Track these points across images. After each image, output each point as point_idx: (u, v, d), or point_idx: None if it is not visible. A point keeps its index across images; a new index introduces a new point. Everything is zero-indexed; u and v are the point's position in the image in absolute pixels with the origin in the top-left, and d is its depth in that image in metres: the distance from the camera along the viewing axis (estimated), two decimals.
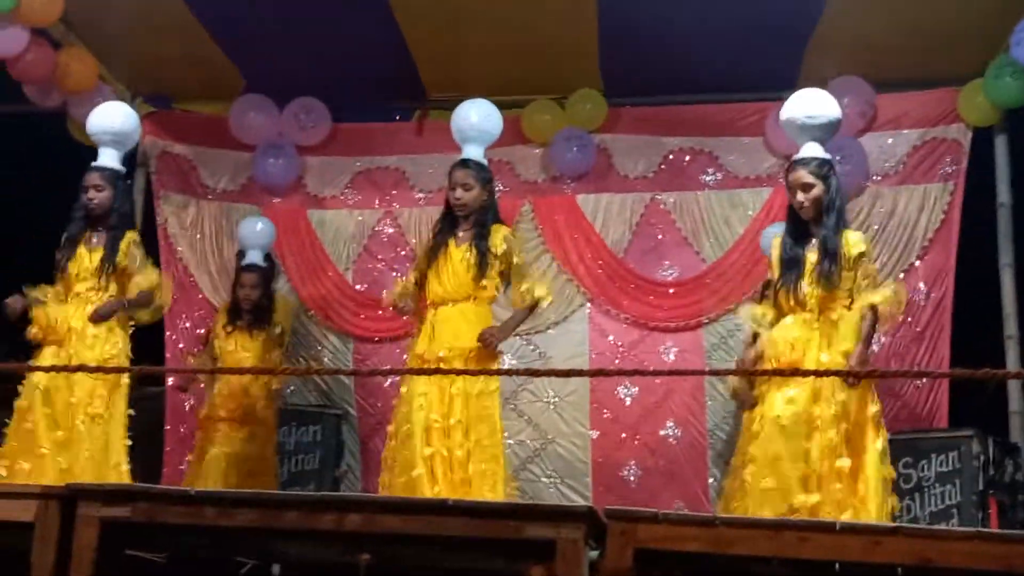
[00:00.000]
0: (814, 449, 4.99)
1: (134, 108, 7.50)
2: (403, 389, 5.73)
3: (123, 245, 5.82)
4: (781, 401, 5.06)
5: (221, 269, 7.74)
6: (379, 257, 7.79)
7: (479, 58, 7.26)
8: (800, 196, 5.26)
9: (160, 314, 6.23)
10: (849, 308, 5.18)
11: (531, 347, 7.37)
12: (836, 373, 4.96)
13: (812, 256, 5.22)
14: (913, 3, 6.54)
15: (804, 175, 5.25)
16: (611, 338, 7.47)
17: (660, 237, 7.54)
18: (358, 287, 7.79)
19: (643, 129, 7.66)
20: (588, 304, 7.51)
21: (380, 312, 7.60)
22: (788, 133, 5.50)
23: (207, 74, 7.58)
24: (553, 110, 7.63)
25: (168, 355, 7.70)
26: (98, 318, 5.72)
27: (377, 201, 7.89)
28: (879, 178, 7.26)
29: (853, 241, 5.22)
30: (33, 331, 5.78)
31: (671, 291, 7.45)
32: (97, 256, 5.80)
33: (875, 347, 5.52)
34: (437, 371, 5.51)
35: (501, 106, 6.13)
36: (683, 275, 7.47)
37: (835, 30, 6.77)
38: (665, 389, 7.31)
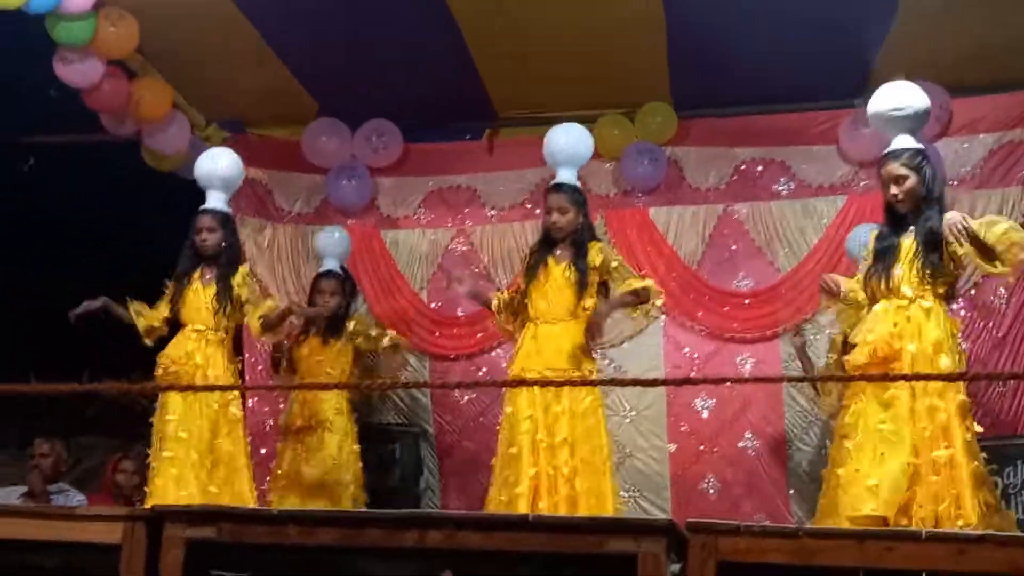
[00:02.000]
0: (915, 437, 4.94)
1: (208, 134, 7.74)
2: (508, 410, 5.80)
3: (236, 279, 6.15)
4: (876, 405, 5.00)
5: (299, 290, 7.80)
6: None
7: (547, 75, 7.28)
8: (894, 189, 5.18)
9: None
10: (945, 295, 5.11)
11: (607, 361, 7.33)
12: (924, 377, 4.88)
13: (907, 241, 5.14)
14: (987, 7, 6.45)
15: (896, 167, 5.18)
16: (687, 350, 7.43)
17: (734, 248, 7.50)
18: (433, 305, 7.83)
19: (713, 141, 7.64)
20: (663, 317, 7.48)
21: (456, 330, 7.67)
22: (876, 127, 5.44)
23: (280, 99, 7.68)
24: (623, 124, 7.62)
25: (247, 378, 7.76)
26: (268, 326, 6.16)
27: (449, 220, 7.93)
28: (955, 183, 7.15)
29: (949, 218, 5.08)
30: (159, 372, 6.04)
31: (746, 302, 7.41)
32: (211, 292, 6.11)
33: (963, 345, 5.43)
34: (513, 382, 5.59)
35: (570, 122, 6.19)
36: (758, 285, 7.42)
37: (907, 35, 6.70)
38: (742, 401, 7.26)
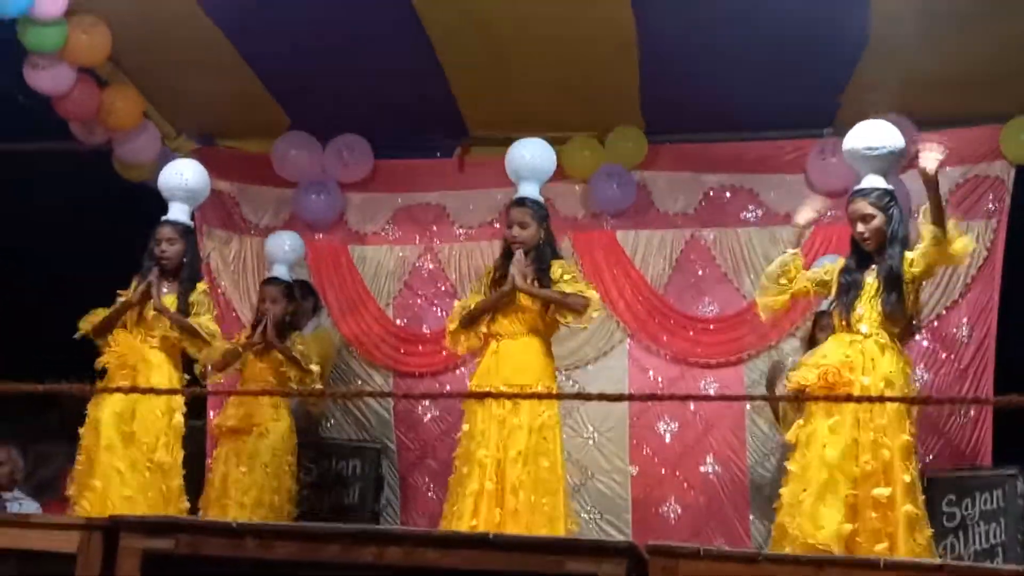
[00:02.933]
0: (857, 471, 4.98)
1: (178, 145, 7.70)
2: (464, 427, 5.79)
3: (193, 297, 6.05)
4: (824, 429, 5.04)
5: None
6: (420, 293, 7.83)
7: (520, 95, 7.30)
8: (860, 227, 5.26)
9: (199, 358, 6.30)
10: (901, 334, 5.20)
11: (570, 382, 7.35)
12: (880, 399, 4.93)
13: (870, 279, 5.22)
14: (955, 41, 6.51)
15: (864, 206, 5.25)
16: (651, 374, 7.45)
17: (700, 273, 7.53)
18: (399, 322, 7.81)
19: (683, 166, 7.67)
20: (628, 339, 7.50)
21: (421, 347, 7.66)
22: (850, 164, 5.50)
23: (251, 111, 7.65)
24: (593, 147, 7.65)
25: (210, 387, 7.72)
26: (160, 308, 5.95)
27: (418, 237, 7.92)
28: (921, 216, 7.21)
29: (908, 257, 5.22)
30: (105, 359, 5.95)
31: (711, 327, 7.44)
32: (168, 304, 6.00)
33: (916, 384, 5.50)
34: (472, 395, 5.59)
35: (546, 142, 6.21)
36: (723, 311, 7.46)
37: (876, 68, 6.76)
38: (705, 425, 7.29)
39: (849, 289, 5.29)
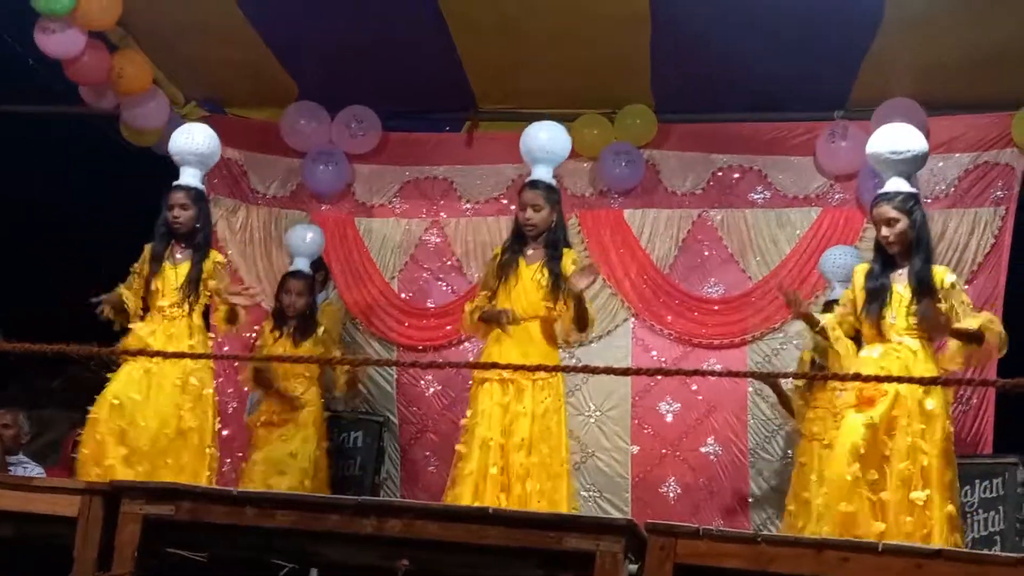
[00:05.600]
0: (887, 478, 4.93)
1: (187, 112, 7.69)
2: (469, 412, 5.76)
3: (208, 265, 5.98)
4: (857, 426, 4.98)
5: (269, 273, 7.79)
6: (425, 266, 7.82)
7: (530, 71, 7.28)
8: (885, 231, 5.21)
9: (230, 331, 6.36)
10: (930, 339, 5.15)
11: (574, 360, 7.35)
12: (884, 379, 4.88)
13: (899, 287, 5.17)
14: (969, 25, 6.48)
15: (888, 210, 5.21)
16: (654, 353, 7.46)
17: (706, 254, 7.52)
18: (403, 295, 7.81)
19: (692, 146, 7.65)
20: (632, 319, 7.50)
21: (424, 321, 7.66)
22: (874, 167, 5.48)
23: (260, 81, 7.64)
24: (602, 124, 7.63)
25: (214, 362, 7.72)
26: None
27: (424, 211, 7.92)
28: (929, 200, 7.18)
29: (942, 273, 5.20)
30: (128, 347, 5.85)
31: (716, 308, 7.43)
32: (182, 273, 5.94)
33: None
34: (475, 365, 5.58)
35: (550, 119, 6.19)
36: (728, 292, 7.45)
37: (889, 51, 6.73)
38: (707, 406, 7.30)
39: (876, 296, 5.24)
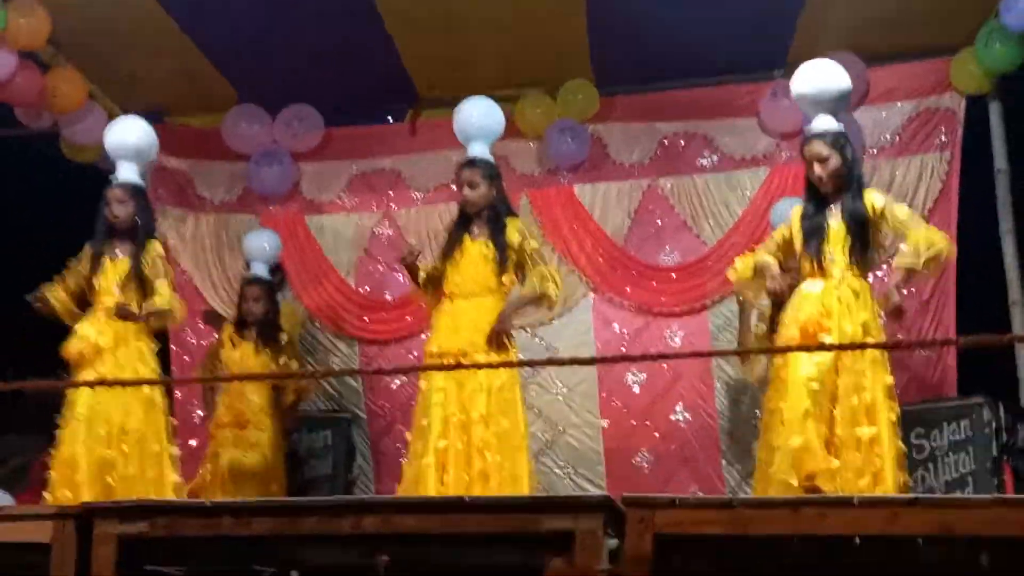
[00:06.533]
0: (836, 414, 5.02)
1: None
2: (422, 384, 5.78)
3: (147, 257, 5.87)
4: (809, 363, 5.04)
5: (224, 280, 7.74)
6: (380, 259, 7.79)
7: (468, 54, 7.25)
8: (818, 169, 5.26)
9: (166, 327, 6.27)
10: (867, 273, 5.23)
11: (536, 339, 7.35)
12: (852, 347, 4.96)
13: (834, 223, 5.24)
14: None
15: (820, 148, 5.25)
16: (616, 326, 7.46)
17: (659, 223, 7.53)
18: (361, 290, 7.78)
19: (636, 116, 7.65)
20: (592, 294, 7.50)
21: (384, 314, 7.64)
22: (800, 107, 5.50)
23: (198, 87, 7.58)
24: (545, 102, 7.61)
25: (174, 369, 7.69)
26: (120, 313, 5.76)
27: (375, 204, 7.88)
28: (875, 151, 7.25)
29: (871, 198, 5.25)
30: (74, 351, 5.79)
31: (673, 275, 7.45)
32: (123, 268, 5.86)
33: (881, 322, 5.50)
34: (443, 367, 5.57)
35: (493, 101, 6.16)
36: (685, 259, 7.46)
37: (824, 6, 6.76)
38: (673, 374, 7.31)
39: (814, 233, 5.29)
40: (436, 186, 7.72)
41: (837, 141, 5.26)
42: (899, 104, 7.28)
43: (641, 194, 7.57)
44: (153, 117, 7.64)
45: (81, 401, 5.67)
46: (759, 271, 5.49)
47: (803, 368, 5.05)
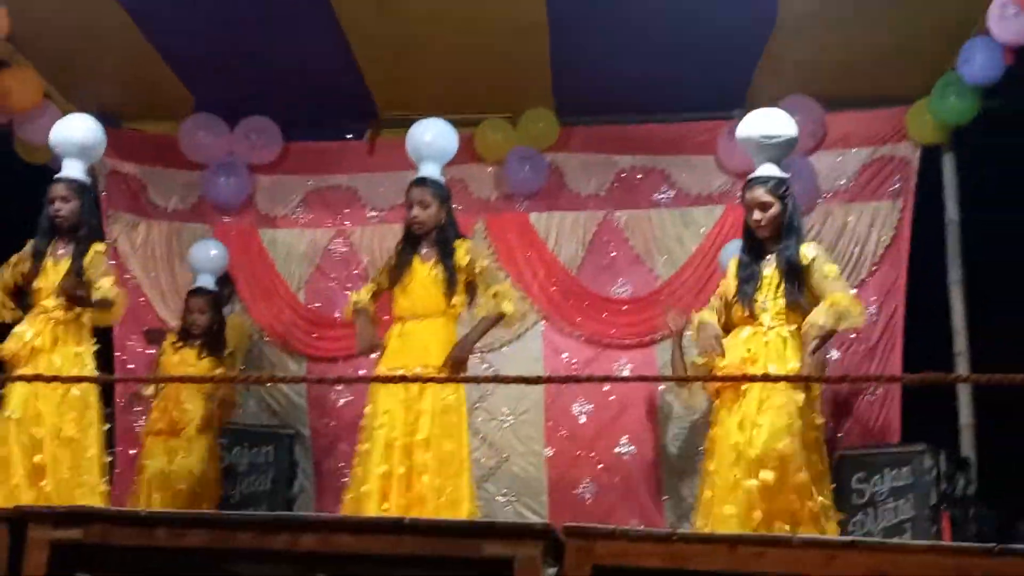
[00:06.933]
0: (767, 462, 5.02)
1: None
2: (367, 409, 5.74)
3: (88, 256, 5.77)
4: (735, 427, 5.08)
5: (172, 289, 7.67)
6: (331, 276, 7.75)
7: (431, 77, 7.26)
8: (757, 215, 5.28)
9: (108, 322, 6.20)
10: (798, 322, 5.21)
11: (484, 365, 7.32)
12: (790, 379, 4.98)
13: (767, 270, 5.25)
14: (862, 23, 6.59)
15: (761, 194, 5.27)
16: (565, 356, 7.46)
17: (613, 255, 7.56)
18: (311, 306, 7.74)
19: (595, 147, 7.69)
20: (542, 322, 7.51)
21: (333, 332, 7.59)
22: (745, 151, 5.53)
23: (156, 93, 7.52)
24: (505, 129, 7.63)
25: (118, 374, 7.59)
26: (65, 293, 5.65)
27: (329, 220, 7.85)
28: (829, 196, 7.32)
29: (803, 252, 5.25)
30: (8, 352, 5.71)
31: (624, 308, 7.46)
32: (63, 268, 5.75)
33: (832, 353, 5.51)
34: (388, 379, 5.56)
35: (453, 125, 6.17)
36: (637, 292, 7.49)
37: (784, 50, 6.82)
38: (619, 406, 7.31)
39: (748, 280, 5.30)
40: (392, 205, 7.68)
41: (778, 188, 5.28)
42: (855, 150, 7.36)
43: (596, 225, 7.59)
44: (109, 120, 7.64)
45: (15, 401, 5.59)
46: (699, 329, 5.48)
47: (731, 434, 5.10)
